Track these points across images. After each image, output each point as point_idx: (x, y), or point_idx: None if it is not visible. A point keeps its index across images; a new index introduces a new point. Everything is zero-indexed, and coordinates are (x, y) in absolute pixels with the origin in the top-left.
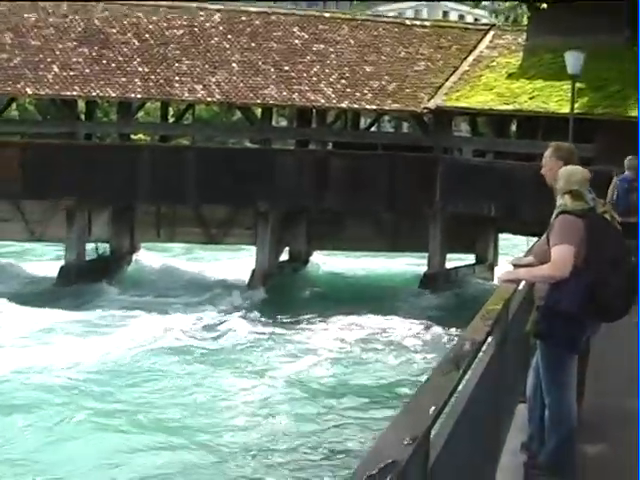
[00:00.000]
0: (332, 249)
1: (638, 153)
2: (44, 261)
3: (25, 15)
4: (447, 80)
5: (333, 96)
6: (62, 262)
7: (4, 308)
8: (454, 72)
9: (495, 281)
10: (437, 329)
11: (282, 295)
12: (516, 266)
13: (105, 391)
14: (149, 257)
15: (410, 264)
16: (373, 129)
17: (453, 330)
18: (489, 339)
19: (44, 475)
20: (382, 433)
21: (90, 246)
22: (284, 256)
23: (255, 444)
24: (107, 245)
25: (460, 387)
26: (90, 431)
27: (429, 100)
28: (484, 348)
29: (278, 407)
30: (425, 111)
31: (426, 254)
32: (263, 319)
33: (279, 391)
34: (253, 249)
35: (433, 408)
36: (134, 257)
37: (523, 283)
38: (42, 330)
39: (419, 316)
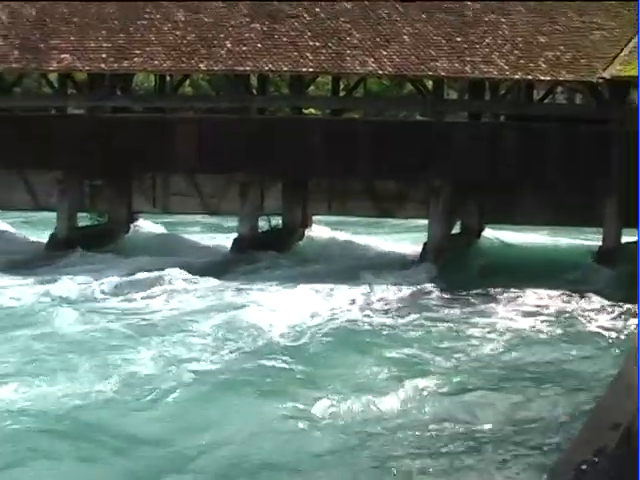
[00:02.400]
0: (505, 223)
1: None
2: (217, 233)
3: None
4: (623, 50)
5: (506, 67)
6: (235, 234)
7: (180, 277)
8: (630, 41)
9: None
10: (617, 306)
11: (456, 269)
12: None
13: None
14: (321, 230)
15: (581, 238)
16: (546, 101)
17: (633, 307)
18: None
19: None
20: (588, 418)
21: (263, 219)
22: (456, 230)
23: (437, 427)
24: (279, 218)
25: None
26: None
27: (604, 70)
28: None
29: (458, 385)
30: (600, 81)
31: (600, 229)
32: (437, 293)
33: (456, 367)
34: (424, 223)
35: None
36: (306, 231)
37: None
38: (217, 297)
39: (597, 292)
